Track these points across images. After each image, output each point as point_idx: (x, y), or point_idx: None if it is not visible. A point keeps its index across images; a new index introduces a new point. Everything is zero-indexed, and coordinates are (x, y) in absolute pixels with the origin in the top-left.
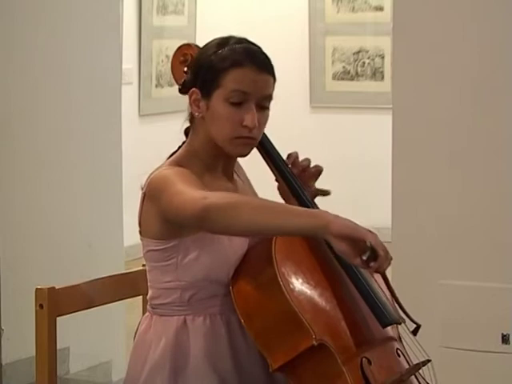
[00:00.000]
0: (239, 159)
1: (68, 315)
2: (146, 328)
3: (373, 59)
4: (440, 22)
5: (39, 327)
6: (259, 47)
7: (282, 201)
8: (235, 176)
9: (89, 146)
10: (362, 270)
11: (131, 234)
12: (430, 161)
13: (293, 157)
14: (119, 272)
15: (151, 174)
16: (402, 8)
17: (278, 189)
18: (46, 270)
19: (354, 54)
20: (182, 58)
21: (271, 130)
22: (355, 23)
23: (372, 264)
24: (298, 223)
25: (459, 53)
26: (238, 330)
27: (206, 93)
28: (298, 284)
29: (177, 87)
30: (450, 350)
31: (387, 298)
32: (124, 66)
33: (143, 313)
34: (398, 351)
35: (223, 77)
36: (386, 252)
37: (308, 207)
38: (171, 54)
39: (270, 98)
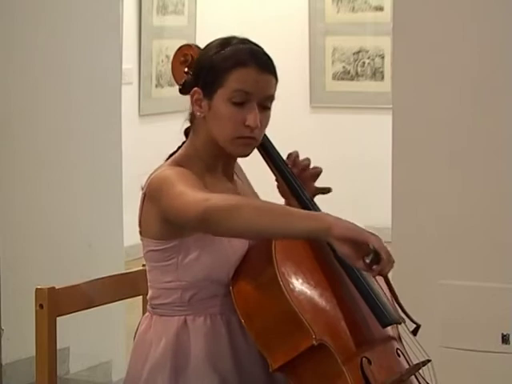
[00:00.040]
0: (239, 160)
1: (68, 315)
2: (146, 328)
3: (373, 59)
4: (440, 22)
5: (39, 327)
6: (261, 48)
7: (282, 201)
8: (235, 177)
9: (89, 146)
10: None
11: (131, 234)
12: (430, 161)
13: (293, 156)
14: (119, 272)
15: (151, 174)
16: (402, 8)
17: (278, 188)
18: (46, 270)
19: (353, 54)
20: (182, 59)
21: (271, 130)
22: (355, 23)
23: (375, 267)
24: (300, 226)
25: (459, 53)
26: (239, 330)
27: (209, 92)
28: (298, 284)
29: (177, 87)
30: (449, 350)
31: (387, 297)
32: (124, 66)
33: (143, 313)
34: (398, 351)
35: (226, 76)
36: (389, 255)
37: (308, 207)
38: (171, 54)
39: (272, 98)
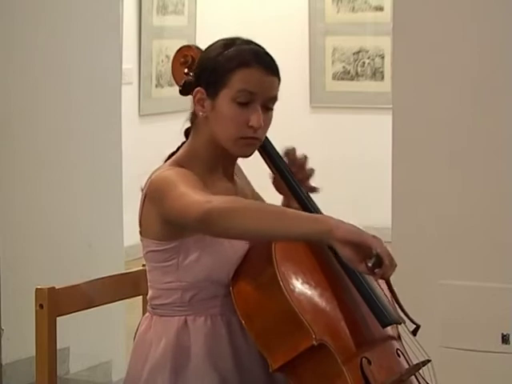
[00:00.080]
0: (238, 160)
1: (68, 315)
2: (146, 328)
3: (373, 59)
4: (440, 22)
5: (39, 327)
6: (264, 49)
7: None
8: (235, 177)
9: (89, 146)
10: None
11: (131, 234)
12: (430, 161)
13: (291, 154)
14: (119, 272)
15: (151, 174)
16: (402, 8)
17: (273, 183)
18: (46, 270)
19: (353, 54)
20: (182, 60)
21: (271, 130)
22: (355, 23)
23: (377, 271)
24: (302, 228)
25: (459, 53)
26: (239, 330)
27: (212, 92)
28: (298, 284)
29: (177, 87)
30: (449, 350)
31: (387, 297)
32: (124, 66)
33: (143, 313)
34: (398, 351)
35: (230, 77)
36: (391, 259)
37: (308, 208)
38: (171, 54)
39: (275, 99)
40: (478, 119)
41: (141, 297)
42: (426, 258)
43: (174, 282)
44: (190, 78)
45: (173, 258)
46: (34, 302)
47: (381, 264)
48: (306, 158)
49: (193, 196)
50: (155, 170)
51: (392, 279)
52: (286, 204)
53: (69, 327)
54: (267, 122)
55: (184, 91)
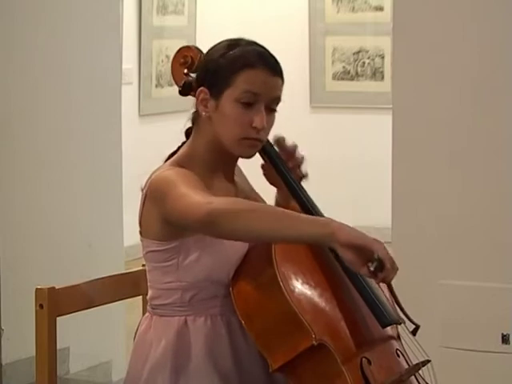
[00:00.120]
0: (238, 161)
1: (68, 315)
2: (146, 328)
3: (373, 59)
4: (440, 22)
5: (39, 327)
6: (268, 50)
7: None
8: (235, 178)
9: (89, 146)
10: None
11: (131, 234)
12: (430, 161)
13: (281, 141)
14: (119, 272)
15: (151, 174)
16: (402, 8)
17: (265, 175)
18: (46, 270)
19: (354, 53)
20: (182, 60)
21: (271, 130)
22: (355, 23)
23: (378, 274)
24: (305, 231)
25: (459, 53)
26: (239, 330)
27: (216, 92)
28: (298, 284)
29: (177, 87)
30: (449, 350)
31: (387, 298)
32: (124, 66)
33: (143, 313)
34: (398, 351)
35: (235, 77)
36: (393, 263)
37: (308, 209)
38: (171, 54)
39: (278, 100)
40: (478, 119)
41: (141, 297)
42: (426, 258)
43: (173, 282)
44: (190, 78)
45: (173, 258)
46: (34, 302)
47: (382, 268)
48: (296, 145)
49: (193, 197)
50: (155, 170)
51: (392, 280)
52: (280, 197)
53: (69, 327)
54: (270, 124)
55: (184, 92)
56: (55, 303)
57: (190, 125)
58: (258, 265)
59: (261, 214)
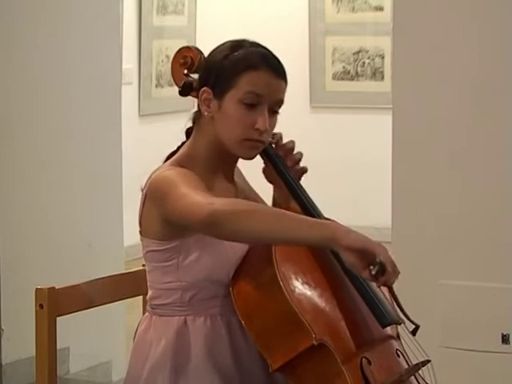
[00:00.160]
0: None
1: (68, 315)
2: (145, 328)
3: (373, 59)
4: (440, 22)
5: (39, 327)
6: (272, 52)
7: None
8: (235, 178)
9: (89, 146)
10: None
11: (131, 234)
12: (430, 161)
13: (277, 137)
14: (119, 272)
15: (151, 174)
16: (402, 8)
17: (264, 172)
18: (46, 270)
19: (353, 54)
20: (181, 61)
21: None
22: (355, 23)
23: (380, 278)
24: (307, 234)
25: (459, 53)
26: (239, 330)
27: (219, 92)
28: (298, 284)
29: (177, 87)
30: (449, 350)
31: (386, 298)
32: (124, 66)
33: (143, 313)
34: (398, 351)
35: (238, 78)
36: (394, 266)
37: (309, 210)
38: (171, 54)
39: (281, 102)
40: (478, 119)
41: (141, 297)
42: (426, 258)
43: (173, 282)
44: (190, 79)
45: (173, 258)
46: (34, 302)
47: (384, 271)
48: (293, 143)
49: (194, 197)
50: (155, 170)
51: (394, 283)
52: (279, 196)
53: (69, 327)
54: (272, 126)
55: (184, 92)
56: (55, 303)
57: (190, 124)
58: (258, 265)
59: (263, 216)
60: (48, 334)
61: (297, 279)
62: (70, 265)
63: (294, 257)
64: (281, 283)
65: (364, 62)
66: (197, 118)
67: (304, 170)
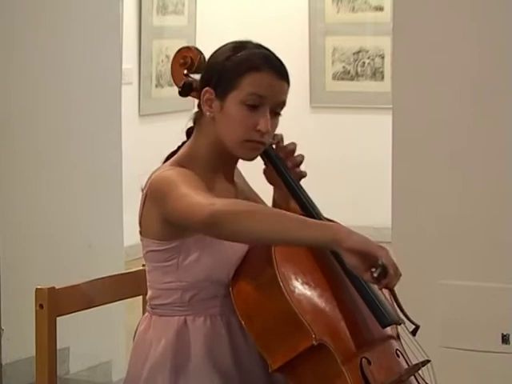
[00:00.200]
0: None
1: (68, 315)
2: (145, 328)
3: (373, 59)
4: (440, 22)
5: (39, 327)
6: (275, 53)
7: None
8: (235, 179)
9: (89, 146)
10: None
11: (131, 234)
12: (430, 161)
13: (277, 139)
14: (119, 272)
15: (151, 174)
16: (402, 8)
17: (265, 173)
18: (46, 270)
19: (353, 54)
20: (181, 61)
21: None
22: (355, 23)
23: (381, 280)
24: (309, 235)
25: (459, 53)
26: (239, 330)
27: (221, 93)
28: (298, 284)
29: (177, 87)
30: (449, 350)
31: (386, 298)
32: (124, 66)
33: (143, 313)
34: (398, 351)
35: (241, 79)
36: (396, 269)
37: (309, 211)
38: (171, 54)
39: (283, 104)
40: (478, 119)
41: (141, 297)
42: (426, 258)
43: (173, 282)
44: (190, 79)
45: (173, 258)
46: (34, 302)
47: (386, 274)
48: (294, 145)
49: (195, 197)
50: (155, 170)
51: (395, 286)
52: (279, 197)
53: (69, 327)
54: (274, 127)
55: (183, 92)
56: (55, 303)
57: (191, 124)
58: (258, 265)
59: (263, 217)
60: (48, 334)
61: (297, 279)
62: (69, 265)
63: (293, 257)
64: (281, 283)
65: (364, 62)
66: (198, 118)
67: (303, 175)
